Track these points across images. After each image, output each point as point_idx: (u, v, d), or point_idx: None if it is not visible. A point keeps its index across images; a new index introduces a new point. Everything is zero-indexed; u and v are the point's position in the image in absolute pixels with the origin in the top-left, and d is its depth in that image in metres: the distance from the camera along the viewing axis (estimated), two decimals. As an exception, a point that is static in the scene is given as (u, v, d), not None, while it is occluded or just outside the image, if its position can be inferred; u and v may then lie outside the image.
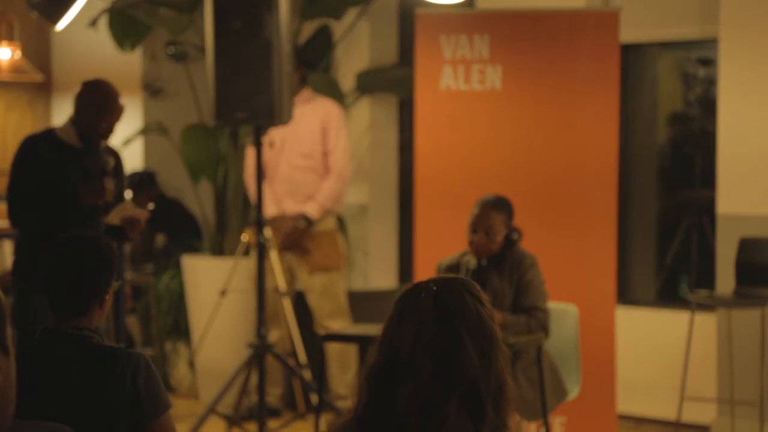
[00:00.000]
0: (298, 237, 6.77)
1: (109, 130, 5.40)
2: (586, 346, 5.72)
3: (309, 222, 6.79)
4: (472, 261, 5.29)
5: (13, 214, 5.34)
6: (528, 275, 5.32)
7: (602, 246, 6.18)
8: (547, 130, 6.29)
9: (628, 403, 6.76)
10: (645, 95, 7.30)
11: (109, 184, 5.26)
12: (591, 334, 5.95)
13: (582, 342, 5.62)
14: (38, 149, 5.36)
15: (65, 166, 5.30)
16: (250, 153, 6.88)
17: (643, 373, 6.84)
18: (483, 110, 6.33)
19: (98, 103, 5.37)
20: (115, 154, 5.50)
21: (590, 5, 6.93)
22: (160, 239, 7.69)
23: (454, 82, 6.33)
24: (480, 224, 5.31)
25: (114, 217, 5.31)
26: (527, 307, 5.29)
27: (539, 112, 6.29)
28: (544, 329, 5.26)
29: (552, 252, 5.97)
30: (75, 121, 5.39)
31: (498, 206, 5.34)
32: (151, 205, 5.50)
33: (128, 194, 7.79)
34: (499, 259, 5.35)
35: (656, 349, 6.82)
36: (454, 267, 5.33)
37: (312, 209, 6.79)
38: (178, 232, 8.09)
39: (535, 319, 5.26)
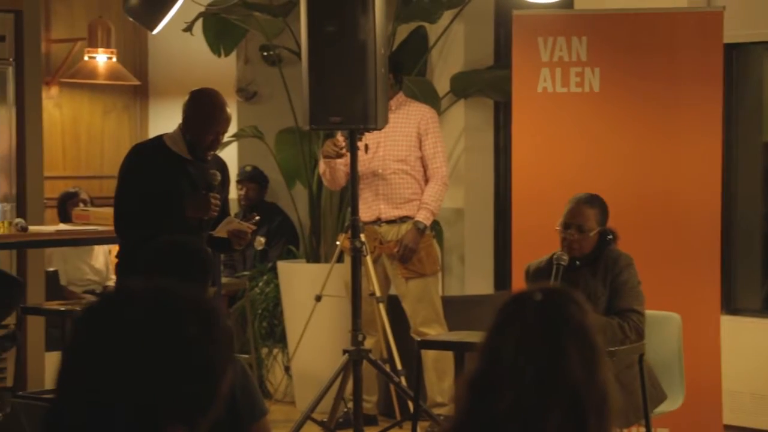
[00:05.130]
0: (415, 245, 6.71)
1: (215, 142, 5.34)
2: (690, 356, 5.59)
3: (422, 229, 6.73)
4: (564, 257, 5.16)
5: (119, 229, 5.33)
6: (623, 275, 5.19)
7: (706, 252, 6.04)
8: (646, 133, 6.17)
9: (734, 414, 6.60)
10: (750, 96, 7.11)
11: (215, 199, 5.25)
12: (695, 343, 5.82)
13: (686, 351, 5.50)
14: (146, 159, 5.32)
15: (173, 176, 5.25)
16: (321, 161, 6.79)
17: (750, 384, 6.66)
18: (581, 113, 6.24)
19: (204, 115, 5.29)
20: (223, 167, 5.47)
21: (692, 5, 6.77)
22: (260, 243, 7.68)
23: (552, 84, 6.25)
24: (572, 220, 5.22)
25: (221, 230, 5.34)
26: (622, 308, 5.16)
27: (638, 115, 6.18)
28: (638, 333, 5.13)
29: (654, 259, 5.85)
30: (183, 130, 5.36)
31: (591, 202, 5.26)
32: (257, 218, 5.52)
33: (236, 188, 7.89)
34: (593, 259, 5.24)
35: (763, 358, 6.64)
36: (544, 269, 5.21)
37: (423, 216, 6.73)
38: (276, 236, 8.08)
39: (630, 321, 5.12)
